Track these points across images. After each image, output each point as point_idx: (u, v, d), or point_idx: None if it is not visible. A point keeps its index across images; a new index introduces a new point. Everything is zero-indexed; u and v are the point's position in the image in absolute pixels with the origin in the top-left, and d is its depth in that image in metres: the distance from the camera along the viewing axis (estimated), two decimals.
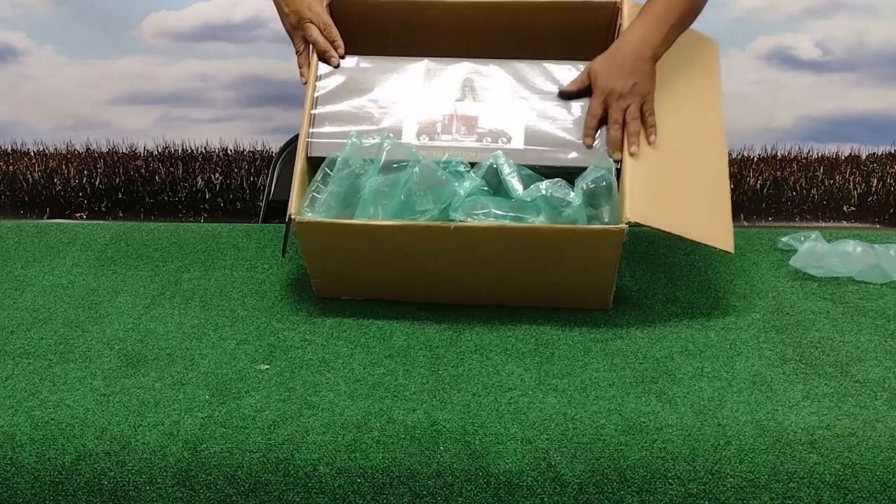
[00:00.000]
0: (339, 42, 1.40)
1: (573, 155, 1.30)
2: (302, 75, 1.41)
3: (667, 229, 1.23)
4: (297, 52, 1.42)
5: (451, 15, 1.42)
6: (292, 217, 1.25)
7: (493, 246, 1.24)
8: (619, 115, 1.29)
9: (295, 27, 1.41)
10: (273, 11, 1.44)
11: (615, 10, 1.38)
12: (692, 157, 1.31)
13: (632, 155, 1.27)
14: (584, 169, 1.28)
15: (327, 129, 1.33)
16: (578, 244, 1.23)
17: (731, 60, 2.14)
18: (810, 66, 2.13)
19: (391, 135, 1.31)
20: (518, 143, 1.30)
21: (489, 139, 1.30)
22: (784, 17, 2.08)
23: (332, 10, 1.44)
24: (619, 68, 1.30)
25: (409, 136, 1.31)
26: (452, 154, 1.28)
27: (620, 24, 1.35)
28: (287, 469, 1.05)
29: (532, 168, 1.28)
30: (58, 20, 2.19)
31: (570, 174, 1.29)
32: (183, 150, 2.33)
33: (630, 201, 1.22)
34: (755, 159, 2.20)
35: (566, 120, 1.31)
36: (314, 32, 1.39)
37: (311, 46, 1.40)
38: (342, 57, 1.39)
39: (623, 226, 1.20)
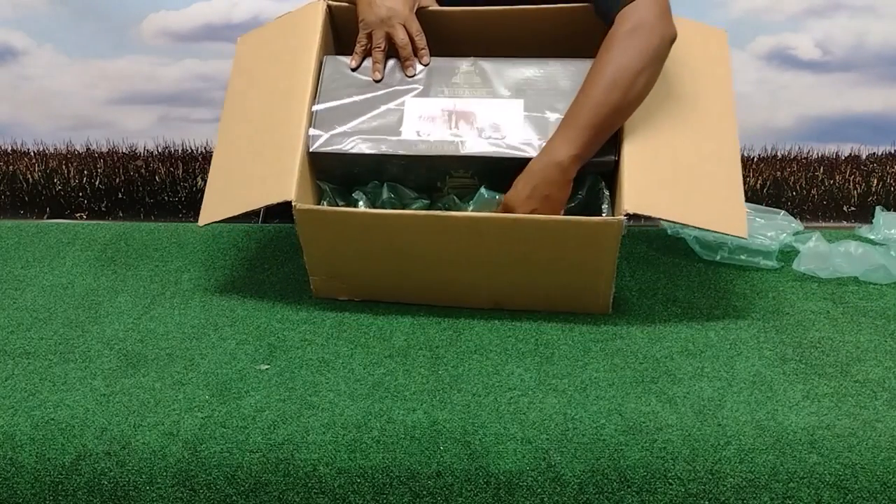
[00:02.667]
0: (426, 52, 1.36)
1: None
2: (377, 71, 1.36)
3: (669, 218, 1.23)
4: (375, 48, 1.36)
5: (451, 22, 1.42)
6: (293, 204, 1.25)
7: (492, 236, 1.24)
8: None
9: (384, 22, 1.35)
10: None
11: None
12: (701, 145, 1.29)
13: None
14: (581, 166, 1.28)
15: (328, 123, 1.33)
16: (577, 236, 1.22)
17: (731, 60, 2.13)
18: (810, 66, 2.13)
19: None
20: (516, 139, 1.30)
21: (488, 134, 1.30)
22: (784, 17, 2.08)
23: (334, 14, 1.44)
24: (524, 185, 1.25)
25: (408, 132, 1.31)
26: (451, 149, 1.29)
27: None
28: (287, 469, 1.05)
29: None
30: (58, 20, 2.19)
31: None
32: (183, 150, 2.33)
33: (628, 193, 1.21)
34: (755, 159, 2.20)
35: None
36: (404, 35, 1.35)
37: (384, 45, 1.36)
38: (425, 65, 1.36)
39: (622, 217, 1.19)
